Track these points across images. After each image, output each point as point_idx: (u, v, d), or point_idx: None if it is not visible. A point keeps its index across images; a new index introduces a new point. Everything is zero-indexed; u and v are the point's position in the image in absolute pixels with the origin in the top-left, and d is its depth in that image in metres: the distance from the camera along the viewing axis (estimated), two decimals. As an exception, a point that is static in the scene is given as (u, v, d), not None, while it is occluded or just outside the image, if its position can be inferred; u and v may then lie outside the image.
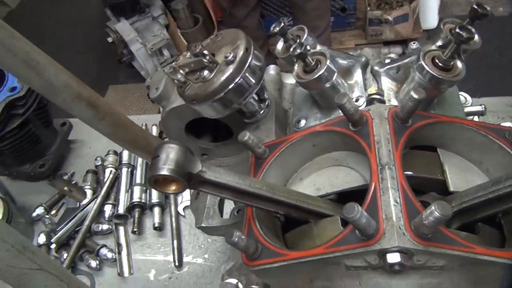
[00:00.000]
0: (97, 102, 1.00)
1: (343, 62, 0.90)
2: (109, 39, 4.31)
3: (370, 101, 0.83)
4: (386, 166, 0.69)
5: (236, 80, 0.83)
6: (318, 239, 0.79)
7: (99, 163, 1.69)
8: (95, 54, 4.92)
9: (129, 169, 1.63)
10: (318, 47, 0.89)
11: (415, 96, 0.69)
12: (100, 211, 1.54)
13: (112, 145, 1.72)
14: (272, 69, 1.10)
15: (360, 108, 0.81)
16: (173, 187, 0.72)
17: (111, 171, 1.62)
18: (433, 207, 0.57)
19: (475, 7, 0.73)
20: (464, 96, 1.03)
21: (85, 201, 1.57)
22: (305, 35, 0.88)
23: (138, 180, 1.58)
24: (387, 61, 0.89)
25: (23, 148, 1.52)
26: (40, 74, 0.85)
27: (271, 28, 0.86)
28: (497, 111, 1.49)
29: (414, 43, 0.95)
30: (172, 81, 0.88)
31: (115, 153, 1.70)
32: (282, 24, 0.85)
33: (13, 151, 1.50)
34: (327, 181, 0.84)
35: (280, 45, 0.92)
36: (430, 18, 3.98)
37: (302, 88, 0.95)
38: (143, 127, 1.78)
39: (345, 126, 0.78)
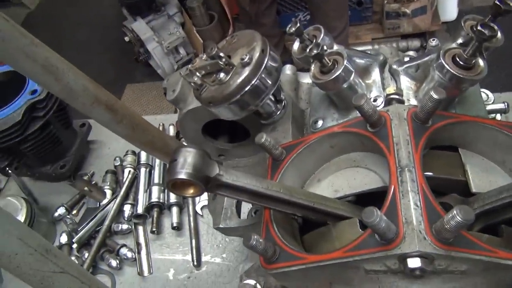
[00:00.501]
0: (115, 105, 1.01)
1: (360, 61, 0.89)
2: (126, 38, 4.36)
3: (388, 101, 0.82)
4: (406, 168, 0.68)
5: (253, 82, 0.82)
6: (337, 242, 0.79)
7: (118, 163, 1.72)
8: (112, 53, 4.98)
9: (147, 169, 1.65)
10: (335, 47, 0.87)
11: (435, 96, 0.67)
12: (119, 211, 1.56)
13: (131, 146, 1.74)
14: (288, 69, 1.09)
15: (378, 109, 0.80)
16: (191, 191, 0.73)
17: (129, 171, 1.64)
18: (454, 211, 0.55)
19: (498, 3, 0.70)
20: (485, 93, 1.01)
21: (105, 201, 1.59)
22: (322, 35, 0.87)
23: (156, 180, 1.60)
24: (406, 59, 0.88)
25: (44, 149, 1.55)
26: (59, 79, 0.87)
27: (287, 29, 0.85)
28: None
29: (433, 39, 0.93)
30: (189, 83, 0.88)
31: (134, 153, 1.72)
32: (298, 25, 0.84)
33: (35, 153, 1.54)
34: (345, 183, 0.83)
35: (296, 45, 0.91)
36: (449, 9, 3.89)
37: (319, 88, 0.94)
38: (160, 127, 1.79)
39: (363, 127, 0.77)
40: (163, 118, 1.86)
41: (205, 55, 0.89)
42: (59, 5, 6.00)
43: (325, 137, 0.83)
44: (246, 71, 0.82)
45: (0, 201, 1.50)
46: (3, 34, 0.74)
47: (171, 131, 1.77)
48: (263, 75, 0.83)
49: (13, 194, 1.69)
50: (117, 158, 1.73)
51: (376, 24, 4.09)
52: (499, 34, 0.75)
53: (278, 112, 0.96)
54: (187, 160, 0.70)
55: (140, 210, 1.53)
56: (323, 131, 0.83)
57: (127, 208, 1.56)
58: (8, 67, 1.61)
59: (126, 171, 1.66)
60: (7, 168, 1.70)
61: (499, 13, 0.71)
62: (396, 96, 0.81)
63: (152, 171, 1.65)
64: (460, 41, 0.77)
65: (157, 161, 1.67)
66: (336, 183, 0.85)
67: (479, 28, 0.67)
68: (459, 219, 0.55)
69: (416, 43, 3.92)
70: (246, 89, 0.83)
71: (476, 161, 0.78)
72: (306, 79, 1.08)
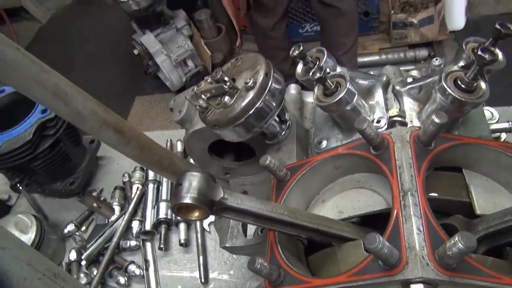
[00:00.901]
0: (123, 127, 1.03)
1: (363, 82, 0.90)
2: (135, 51, 4.42)
3: (391, 123, 0.82)
4: (409, 192, 0.68)
5: (257, 105, 0.84)
6: (343, 263, 0.79)
7: (127, 179, 1.74)
8: (122, 65, 5.05)
9: (155, 185, 1.67)
10: (338, 69, 0.89)
11: (437, 120, 0.68)
12: (128, 228, 1.58)
13: (139, 161, 1.77)
14: (293, 89, 1.10)
15: (381, 131, 0.81)
16: (196, 214, 0.74)
17: (138, 187, 1.66)
18: (456, 238, 0.56)
19: (498, 27, 0.71)
20: (490, 111, 1.00)
21: (113, 218, 1.61)
22: (325, 57, 0.88)
23: (164, 196, 1.62)
24: (409, 80, 0.88)
25: (54, 167, 1.58)
26: (68, 104, 0.89)
27: (291, 52, 0.87)
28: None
29: (436, 59, 0.93)
30: (194, 106, 0.89)
31: (142, 169, 1.74)
32: (301, 48, 0.85)
33: (45, 170, 1.56)
34: (350, 204, 0.84)
35: (300, 67, 0.93)
36: (457, 19, 3.87)
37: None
38: (168, 143, 1.81)
39: (366, 149, 0.78)
40: (170, 133, 1.89)
41: (210, 78, 0.91)
42: (70, 18, 6.13)
43: (329, 159, 0.84)
44: (250, 95, 0.83)
45: (11, 218, 1.53)
46: (15, 63, 0.77)
47: (179, 147, 1.79)
48: (267, 98, 0.85)
49: (24, 211, 1.72)
50: (125, 174, 1.75)
51: (383, 34, 4.10)
52: (500, 57, 0.75)
53: (283, 133, 0.97)
54: (192, 185, 0.71)
55: (148, 226, 1.55)
56: (327, 153, 0.84)
57: (135, 225, 1.57)
58: (19, 86, 1.65)
59: (135, 187, 1.68)
60: (18, 185, 1.73)
61: (499, 37, 0.72)
62: (399, 118, 0.81)
63: (160, 187, 1.66)
64: (461, 63, 0.78)
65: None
66: (340, 204, 0.85)
67: (479, 52, 0.68)
68: (461, 246, 0.55)
69: (423, 52, 3.91)
70: (250, 112, 0.84)
71: (480, 182, 0.78)
72: (310, 98, 1.09)
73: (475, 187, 0.77)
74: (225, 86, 0.85)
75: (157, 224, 1.55)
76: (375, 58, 4.09)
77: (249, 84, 0.83)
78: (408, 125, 0.83)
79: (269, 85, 0.85)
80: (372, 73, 0.96)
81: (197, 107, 0.89)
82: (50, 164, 1.55)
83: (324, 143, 0.92)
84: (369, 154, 0.77)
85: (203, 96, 0.90)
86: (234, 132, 0.89)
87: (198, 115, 1.03)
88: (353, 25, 3.17)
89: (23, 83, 0.80)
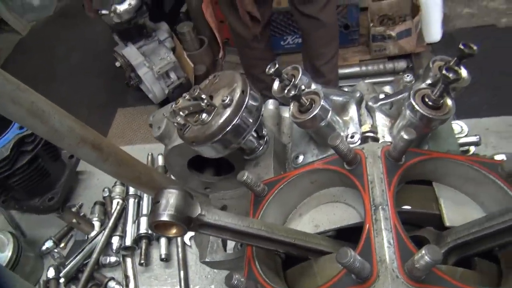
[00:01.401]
0: (101, 144, 1.03)
1: (338, 98, 0.92)
2: (117, 64, 4.39)
3: (364, 139, 0.85)
4: (380, 207, 0.70)
5: (234, 122, 0.85)
6: (319, 277, 0.80)
7: (107, 194, 1.72)
8: (104, 77, 5.02)
9: (136, 200, 1.66)
10: (313, 86, 0.91)
11: (406, 137, 0.70)
12: (108, 243, 1.56)
13: (119, 176, 1.76)
14: (270, 104, 1.12)
15: (354, 146, 0.83)
16: (173, 231, 0.75)
17: (118, 202, 1.65)
18: (423, 251, 0.58)
19: (462, 47, 0.75)
20: (460, 125, 1.04)
21: (93, 233, 1.60)
22: (300, 75, 0.90)
23: (145, 211, 1.61)
24: (381, 96, 0.91)
25: (32, 183, 1.56)
26: (45, 122, 0.89)
27: (267, 70, 0.89)
28: (499, 131, 1.49)
29: (408, 75, 0.97)
30: (172, 123, 0.91)
31: (122, 184, 1.73)
32: (277, 66, 0.88)
33: (23, 186, 1.54)
34: (325, 218, 0.85)
35: (276, 84, 0.95)
36: (434, 31, 4.00)
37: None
38: (149, 157, 1.81)
39: (340, 165, 0.80)
40: (151, 147, 1.88)
41: (188, 95, 0.92)
42: (51, 31, 6.07)
43: (306, 174, 0.86)
44: (227, 112, 0.85)
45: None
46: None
47: (160, 161, 1.79)
48: (244, 115, 0.87)
49: (0, 228, 1.69)
50: (105, 189, 1.74)
51: (363, 47, 4.18)
52: (465, 75, 0.79)
53: (261, 148, 0.99)
54: (169, 202, 0.72)
55: (128, 242, 1.54)
56: (304, 168, 0.86)
57: (115, 240, 1.56)
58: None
59: (115, 202, 1.67)
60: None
61: (463, 56, 0.75)
62: (371, 134, 0.84)
63: (141, 202, 1.66)
64: (429, 81, 0.81)
65: (146, 191, 1.68)
66: (316, 218, 0.87)
67: (444, 72, 0.71)
68: (428, 259, 0.57)
69: (402, 64, 4.01)
70: (228, 129, 0.86)
71: (450, 195, 0.81)
72: (288, 113, 1.11)
73: (444, 200, 0.80)
74: (202, 104, 0.86)
75: (137, 239, 1.54)
76: (356, 69, 4.17)
77: (226, 101, 0.85)
78: (380, 140, 0.86)
79: (245, 102, 0.87)
80: (346, 89, 0.98)
81: (175, 124, 0.90)
82: (28, 180, 1.53)
83: (301, 158, 0.94)
84: (343, 170, 0.79)
85: (181, 113, 0.91)
86: (212, 149, 0.90)
87: (176, 133, 1.05)
88: (334, 36, 3.24)
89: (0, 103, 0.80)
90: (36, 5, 6.13)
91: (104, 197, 1.73)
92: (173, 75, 4.49)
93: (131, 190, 1.68)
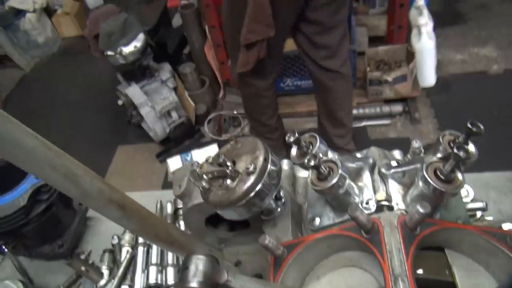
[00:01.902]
0: (125, 203, 1.08)
1: (352, 165, 0.98)
2: (119, 102, 4.48)
3: (379, 207, 0.90)
4: (399, 278, 0.75)
5: (257, 188, 0.91)
6: None
7: (116, 241, 1.74)
8: (105, 115, 5.10)
9: (145, 248, 1.68)
10: (330, 154, 0.97)
11: (421, 210, 0.76)
12: (117, 293, 1.57)
13: (129, 222, 1.78)
14: (285, 164, 1.18)
15: (370, 212, 0.89)
16: (201, 297, 0.78)
17: (127, 250, 1.67)
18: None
19: (469, 126, 0.82)
20: (466, 189, 1.10)
21: (102, 282, 1.60)
22: (318, 144, 0.97)
23: (154, 260, 1.62)
24: (393, 163, 0.98)
25: (45, 231, 1.58)
26: (78, 185, 0.94)
27: (286, 138, 0.95)
28: (499, 187, 1.55)
29: (416, 141, 1.03)
30: (197, 187, 0.96)
31: (131, 231, 1.75)
32: (297, 135, 0.94)
33: (35, 234, 1.56)
34: (343, 282, 0.90)
35: (294, 151, 1.01)
36: (428, 77, 4.17)
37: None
38: (158, 204, 1.84)
39: (358, 232, 0.85)
40: (160, 194, 1.92)
41: (211, 160, 0.98)
42: (54, 67, 6.19)
43: (323, 238, 0.91)
44: (251, 179, 0.90)
45: (-3, 285, 1.50)
46: (34, 151, 0.82)
47: (169, 208, 1.82)
48: (266, 180, 0.92)
49: (8, 276, 1.69)
50: (115, 237, 1.76)
51: (360, 90, 4.32)
52: (473, 151, 0.85)
53: (279, 209, 1.04)
54: (198, 268, 0.77)
55: (138, 292, 1.55)
56: (322, 233, 0.91)
57: (124, 290, 1.57)
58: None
59: (124, 250, 1.68)
60: (3, 247, 1.71)
61: (471, 134, 0.82)
62: (387, 203, 0.90)
63: (150, 250, 1.67)
64: (439, 155, 0.87)
65: (155, 239, 1.70)
66: (334, 281, 0.91)
67: (455, 151, 0.77)
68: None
69: (398, 108, 4.14)
70: (251, 195, 0.91)
71: (462, 263, 0.86)
72: (302, 173, 1.17)
73: (457, 268, 0.85)
74: (227, 170, 0.92)
75: (147, 289, 1.55)
76: (354, 112, 4.28)
77: (250, 169, 0.90)
78: (395, 208, 0.91)
79: (267, 169, 0.92)
80: (358, 155, 1.05)
81: (200, 188, 0.95)
82: (41, 228, 1.55)
83: (317, 220, 0.99)
84: (361, 237, 0.84)
85: (205, 177, 0.96)
86: (235, 212, 0.95)
87: (197, 189, 1.09)
88: (351, 86, 3.32)
89: (40, 168, 0.85)
90: (41, 42, 6.29)
91: (113, 245, 1.74)
92: (174, 114, 4.58)
93: (141, 239, 1.70)
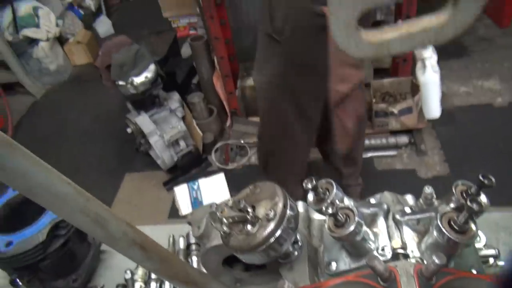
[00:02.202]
0: (147, 244, 1.12)
1: (366, 211, 1.02)
2: (129, 130, 4.55)
3: (395, 255, 0.93)
4: (417, 327, 0.77)
5: (277, 234, 0.94)
6: None
7: (129, 276, 1.76)
8: (113, 142, 5.17)
9: (158, 284, 1.70)
10: (346, 201, 1.01)
11: (437, 261, 0.79)
12: (129, 329, 1.58)
13: (141, 256, 1.81)
14: (300, 207, 1.22)
15: (386, 259, 0.92)
16: None
17: (140, 286, 1.69)
18: None
19: (481, 178, 0.86)
20: (478, 235, 1.13)
21: (115, 318, 1.62)
22: (334, 191, 1.01)
23: (166, 296, 1.64)
24: (407, 210, 1.01)
25: (60, 265, 1.61)
26: (105, 228, 0.98)
27: (304, 184, 0.99)
28: (509, 227, 1.58)
29: (428, 187, 1.07)
30: (218, 230, 0.99)
31: (144, 265, 1.77)
32: (314, 182, 0.98)
33: (51, 269, 1.59)
34: (361, 328, 0.92)
35: (310, 197, 1.05)
36: (433, 109, 4.22)
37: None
38: (171, 239, 1.87)
39: (375, 280, 0.88)
40: (172, 229, 1.95)
41: (231, 203, 1.02)
42: (65, 95, 6.31)
43: (341, 284, 0.93)
44: (271, 225, 0.94)
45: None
46: (67, 197, 0.86)
47: (181, 243, 1.84)
48: (285, 226, 0.96)
49: (21, 308, 1.71)
50: (127, 271, 1.78)
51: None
52: (486, 202, 0.89)
53: (296, 253, 1.07)
54: None
55: (150, 328, 1.56)
56: (339, 278, 0.93)
57: (137, 326, 1.58)
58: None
59: (137, 285, 1.70)
60: (18, 280, 1.73)
61: (483, 187, 0.86)
62: (402, 251, 0.93)
63: (163, 286, 1.69)
64: (452, 205, 0.91)
65: (168, 274, 1.72)
66: (352, 327, 0.93)
67: (468, 203, 0.81)
68: None
69: (404, 139, 4.19)
70: (271, 241, 0.94)
71: (476, 311, 0.88)
72: (317, 215, 1.21)
73: (472, 316, 0.87)
74: (248, 216, 0.96)
75: (159, 326, 1.57)
76: (360, 142, 4.31)
77: (270, 215, 0.94)
78: (410, 255, 0.94)
79: (287, 215, 0.96)
80: (372, 200, 1.09)
81: (221, 232, 0.99)
82: (57, 263, 1.58)
83: (333, 265, 1.02)
84: (378, 285, 0.87)
85: (225, 221, 1.00)
86: (255, 257, 0.98)
87: (215, 231, 1.13)
88: (365, 126, 3.34)
89: (71, 213, 0.89)
90: (53, 70, 6.44)
91: (126, 280, 1.76)
92: (182, 143, 4.64)
93: (153, 275, 1.73)
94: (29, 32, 6.10)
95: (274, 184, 1.03)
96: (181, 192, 4.37)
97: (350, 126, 2.67)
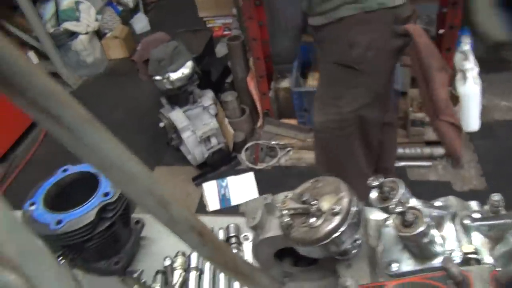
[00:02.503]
0: (204, 231, 1.12)
1: (433, 213, 0.99)
2: (161, 124, 4.61)
3: (466, 260, 0.90)
4: (494, 334, 0.74)
5: (342, 229, 0.93)
6: None
7: (168, 263, 1.77)
8: (145, 136, 5.24)
9: (197, 273, 1.70)
10: (411, 201, 0.99)
11: (518, 268, 0.76)
12: (168, 316, 1.59)
13: (180, 247, 1.82)
14: (356, 206, 1.20)
15: (457, 263, 0.89)
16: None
17: (180, 273, 1.70)
18: None
19: None
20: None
21: (154, 304, 1.63)
22: (403, 190, 0.98)
23: (206, 286, 1.64)
24: (476, 215, 0.98)
25: (104, 247, 1.63)
26: (168, 211, 0.99)
27: (368, 182, 0.98)
28: None
29: (496, 194, 1.03)
30: (280, 223, 0.98)
31: (183, 255, 1.78)
32: (381, 179, 0.97)
33: (95, 249, 1.62)
34: (425, 332, 0.89)
35: (374, 194, 1.03)
36: (472, 121, 4.12)
37: (390, 229, 1.04)
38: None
39: (444, 282, 0.85)
40: (211, 220, 1.95)
41: (292, 195, 1.01)
42: (100, 87, 6.46)
43: (407, 284, 0.91)
44: (337, 220, 0.93)
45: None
46: (137, 176, 0.87)
47: (221, 235, 1.84)
48: (349, 222, 0.94)
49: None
50: (167, 259, 1.79)
51: (400, 129, 4.30)
52: None
53: (354, 251, 1.05)
54: None
55: (189, 317, 1.56)
56: (404, 279, 0.91)
57: (176, 314, 1.59)
58: (82, 167, 1.76)
59: (176, 273, 1.71)
60: (61, 258, 1.77)
61: None
62: (475, 256, 0.90)
63: (202, 276, 1.70)
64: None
65: (207, 265, 1.73)
66: (414, 330, 0.90)
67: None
68: None
69: (440, 151, 4.09)
70: (335, 235, 0.93)
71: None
72: (372, 215, 1.18)
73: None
74: (311, 209, 0.95)
75: (199, 315, 1.57)
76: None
77: (336, 210, 0.93)
78: (481, 262, 0.91)
79: (352, 211, 0.94)
80: (437, 203, 1.06)
81: (283, 223, 0.98)
82: (102, 244, 1.60)
83: (394, 265, 0.99)
84: (448, 288, 0.84)
85: (285, 212, 0.99)
86: (316, 250, 0.97)
87: (270, 222, 1.13)
88: (396, 133, 3.31)
89: (139, 193, 0.90)
90: (89, 63, 6.59)
91: (165, 266, 1.77)
92: (214, 140, 4.67)
93: (193, 263, 1.73)
94: (69, 25, 6.28)
95: (338, 179, 1.01)
96: (210, 189, 4.39)
97: (459, 127, 2.47)
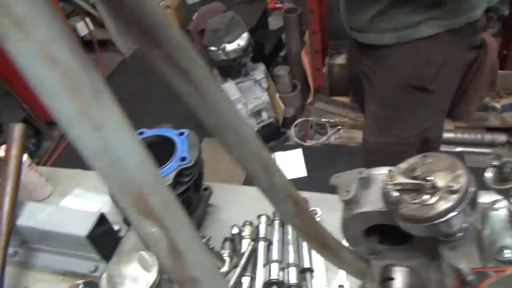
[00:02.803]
0: (299, 201, 1.10)
1: (556, 199, 0.92)
2: (212, 96, 4.60)
3: None
4: None
5: (458, 209, 0.87)
6: None
7: (236, 231, 1.78)
8: (195, 106, 5.26)
9: (266, 244, 1.70)
10: (535, 184, 0.91)
11: None
12: (238, 282, 1.61)
13: (248, 216, 1.83)
14: (458, 186, 1.13)
15: None
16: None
17: (249, 242, 1.70)
18: None
19: None
20: None
21: (223, 269, 1.65)
22: (524, 172, 0.91)
23: (275, 257, 1.64)
24: None
25: (178, 211, 1.66)
26: (271, 177, 0.97)
27: (494, 162, 0.91)
28: None
29: None
30: (387, 198, 0.94)
31: (251, 224, 1.78)
32: (504, 159, 0.90)
33: (169, 213, 1.64)
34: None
35: (489, 174, 0.96)
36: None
37: (499, 213, 0.98)
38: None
39: None
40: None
41: (399, 169, 0.96)
42: (151, 56, 6.51)
43: (526, 273, 0.86)
44: (455, 198, 0.87)
45: (134, 254, 1.58)
46: (248, 139, 0.85)
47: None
48: (467, 204, 0.88)
49: (132, 247, 1.80)
50: (235, 227, 1.80)
51: (460, 113, 4.10)
52: None
53: (460, 234, 0.99)
54: (404, 280, 0.75)
55: (259, 285, 1.57)
56: (524, 267, 0.85)
57: (245, 281, 1.60)
58: (157, 131, 1.78)
59: (245, 242, 1.72)
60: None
61: None
62: None
63: (271, 247, 1.70)
64: None
65: (276, 236, 1.72)
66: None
67: None
68: None
69: (502, 138, 3.89)
70: (450, 215, 0.88)
71: None
72: (482, 199, 1.11)
73: None
74: (426, 185, 0.90)
75: (268, 284, 1.57)
76: (450, 135, 4.08)
77: (454, 188, 0.87)
78: None
79: (470, 191, 0.89)
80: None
81: (389, 198, 0.94)
82: (176, 208, 1.63)
83: (508, 252, 0.93)
84: None
85: (391, 187, 0.94)
86: (423, 229, 0.92)
87: (364, 196, 1.09)
88: None
89: (247, 158, 0.89)
90: (141, 31, 6.64)
91: (233, 234, 1.79)
92: (264, 114, 4.64)
93: (261, 233, 1.73)
94: (123, -7, 6.32)
95: (452, 157, 0.95)
96: (258, 163, 4.39)
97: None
